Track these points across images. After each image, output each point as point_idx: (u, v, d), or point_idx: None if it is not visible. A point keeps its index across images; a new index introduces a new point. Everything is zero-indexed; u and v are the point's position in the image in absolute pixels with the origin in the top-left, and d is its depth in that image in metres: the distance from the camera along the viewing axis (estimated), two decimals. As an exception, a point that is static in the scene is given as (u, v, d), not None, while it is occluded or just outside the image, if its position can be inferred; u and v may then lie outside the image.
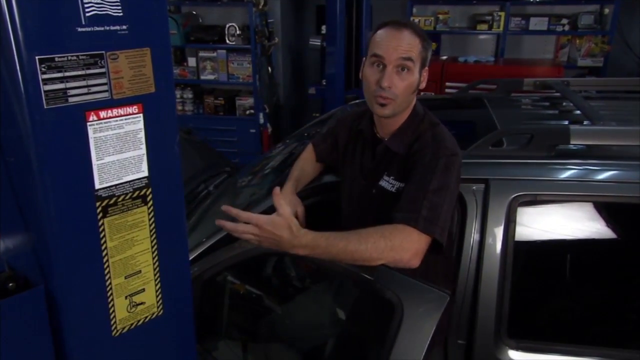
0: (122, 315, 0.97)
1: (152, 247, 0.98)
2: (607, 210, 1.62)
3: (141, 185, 0.93)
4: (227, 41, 4.95)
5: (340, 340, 1.61)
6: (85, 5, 0.79)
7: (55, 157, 0.82)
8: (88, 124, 0.84)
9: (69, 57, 0.80)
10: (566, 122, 1.99)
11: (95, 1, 0.80)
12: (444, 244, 1.31)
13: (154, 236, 0.97)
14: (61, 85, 0.80)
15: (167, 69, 0.92)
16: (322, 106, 4.72)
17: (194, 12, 5.25)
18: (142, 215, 0.95)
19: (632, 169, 1.54)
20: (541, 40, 5.18)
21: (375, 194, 1.51)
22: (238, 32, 4.91)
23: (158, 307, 1.02)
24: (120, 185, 0.90)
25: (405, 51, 1.39)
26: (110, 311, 0.95)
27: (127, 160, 0.90)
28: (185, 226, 1.06)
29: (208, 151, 3.10)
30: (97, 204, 0.88)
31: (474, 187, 1.58)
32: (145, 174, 0.93)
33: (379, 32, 1.44)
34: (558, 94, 2.30)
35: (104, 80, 0.84)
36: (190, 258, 1.54)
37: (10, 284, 0.88)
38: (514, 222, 1.55)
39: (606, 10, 4.78)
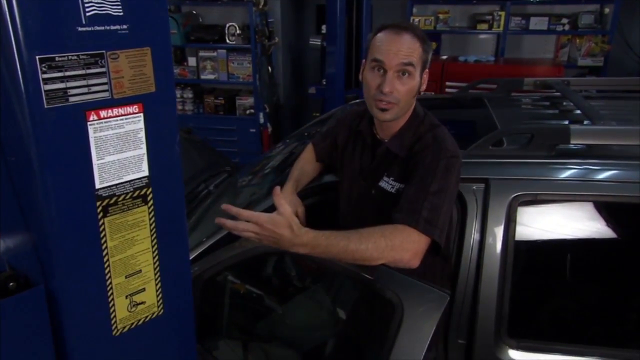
0: (123, 314, 0.97)
1: (153, 246, 0.98)
2: (607, 210, 1.62)
3: (141, 184, 0.93)
4: (227, 41, 4.95)
5: (341, 340, 1.61)
6: (86, 5, 0.79)
7: (56, 156, 0.82)
8: (88, 123, 0.84)
9: (70, 57, 0.80)
10: (566, 122, 1.99)
11: (95, 1, 0.80)
12: (442, 245, 1.31)
13: (154, 236, 0.97)
14: (61, 85, 0.80)
15: (168, 69, 0.92)
16: (322, 106, 4.72)
17: (194, 12, 5.25)
18: (143, 215, 0.95)
19: (633, 169, 1.54)
20: (541, 39, 5.17)
21: (374, 194, 1.51)
22: (238, 31, 4.91)
23: (158, 307, 1.02)
24: (121, 185, 0.90)
25: (406, 56, 1.39)
26: (111, 311, 0.95)
27: (128, 160, 0.90)
28: (186, 226, 1.06)
29: (208, 151, 3.10)
30: (98, 203, 0.88)
31: (474, 187, 1.58)
32: (146, 173, 0.93)
33: (379, 35, 1.43)
34: (558, 94, 2.30)
35: (104, 80, 0.84)
36: (191, 257, 1.55)
37: (11, 284, 0.88)
38: (514, 221, 1.55)
39: (606, 10, 4.78)
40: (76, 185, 0.85)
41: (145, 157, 0.92)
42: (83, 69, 0.81)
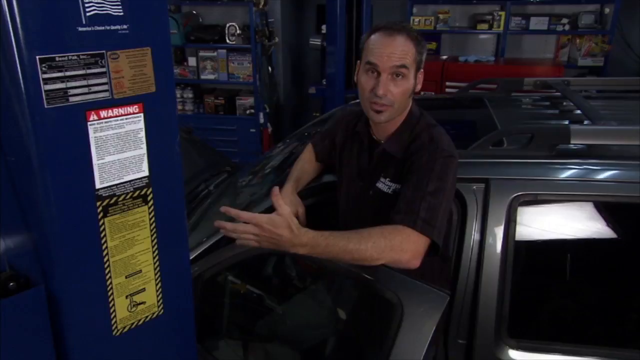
0: (123, 314, 0.97)
1: (153, 246, 0.98)
2: (607, 210, 1.62)
3: (142, 184, 0.93)
4: (228, 41, 4.95)
5: (341, 340, 1.61)
6: (86, 5, 0.79)
7: (56, 156, 0.82)
8: (89, 123, 0.84)
9: (70, 57, 0.80)
10: (567, 122, 1.99)
11: (95, 1, 0.80)
12: (440, 245, 1.31)
13: (154, 236, 0.97)
14: (62, 85, 0.80)
15: (168, 69, 0.92)
16: (322, 106, 4.72)
17: (194, 12, 5.25)
18: (143, 215, 0.95)
19: (633, 169, 1.54)
20: (541, 39, 5.17)
21: (372, 195, 1.52)
22: (238, 31, 4.91)
23: (158, 307, 1.02)
24: (121, 185, 0.90)
25: (400, 58, 1.38)
26: (111, 311, 0.95)
27: (128, 160, 0.90)
28: (186, 226, 1.06)
29: (208, 151, 3.10)
30: (98, 203, 0.88)
31: (475, 187, 1.58)
32: (146, 173, 0.93)
33: (372, 38, 1.43)
34: (558, 94, 2.30)
35: (104, 80, 0.84)
36: (191, 257, 1.54)
37: (11, 284, 0.88)
38: (515, 221, 1.55)
39: (606, 10, 4.78)
40: (76, 185, 0.85)
41: (145, 157, 0.92)
42: (83, 69, 0.81)
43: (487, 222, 1.54)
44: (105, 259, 0.91)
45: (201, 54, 5.10)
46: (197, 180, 2.42)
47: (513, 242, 1.54)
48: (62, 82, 0.80)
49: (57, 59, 0.78)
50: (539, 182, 1.56)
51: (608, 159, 1.59)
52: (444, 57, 5.17)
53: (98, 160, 0.86)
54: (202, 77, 5.17)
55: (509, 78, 2.60)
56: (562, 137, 1.59)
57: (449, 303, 1.49)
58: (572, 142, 1.58)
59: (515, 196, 1.54)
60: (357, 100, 2.56)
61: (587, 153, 1.62)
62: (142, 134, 0.91)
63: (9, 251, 0.93)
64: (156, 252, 0.98)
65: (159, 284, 1.01)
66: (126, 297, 0.96)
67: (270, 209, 1.51)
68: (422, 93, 4.54)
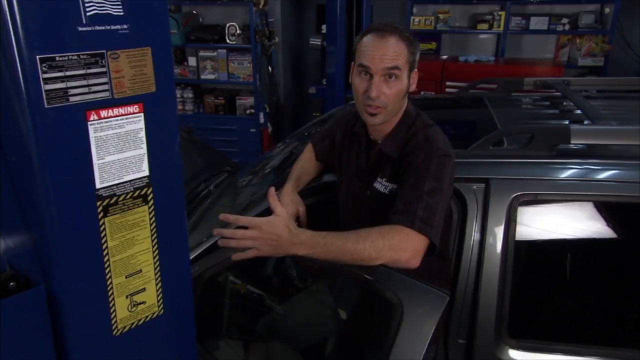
0: (123, 314, 0.97)
1: (153, 246, 0.98)
2: (607, 209, 1.62)
3: (142, 184, 0.93)
4: (228, 40, 4.95)
5: (341, 340, 1.61)
6: (86, 5, 0.79)
7: (56, 156, 0.82)
8: (89, 123, 0.84)
9: (70, 57, 0.80)
10: (567, 122, 1.99)
11: (96, 0, 0.80)
12: (437, 245, 1.31)
13: (154, 235, 0.97)
14: (62, 85, 0.80)
15: (168, 69, 0.92)
16: (322, 106, 4.73)
17: (194, 12, 5.25)
18: (143, 215, 0.95)
19: (633, 169, 1.54)
20: (542, 39, 5.17)
21: (369, 195, 1.52)
22: (238, 31, 4.91)
23: (159, 307, 1.02)
24: (121, 185, 0.90)
25: (392, 60, 1.38)
26: (111, 310, 0.95)
27: (128, 160, 0.90)
28: (186, 225, 1.06)
29: (208, 150, 3.10)
30: (98, 203, 0.88)
31: (475, 187, 1.58)
32: (146, 173, 0.93)
33: (364, 40, 1.43)
34: (558, 94, 2.30)
35: (104, 80, 0.84)
36: (191, 257, 1.54)
37: (11, 283, 0.88)
38: (515, 221, 1.55)
39: (607, 10, 4.78)
40: (76, 185, 0.85)
41: (145, 157, 0.92)
42: (83, 68, 0.81)
43: (487, 222, 1.54)
44: (105, 259, 0.91)
45: (201, 53, 5.10)
46: (197, 180, 2.42)
47: (513, 242, 1.54)
48: (63, 81, 0.80)
49: (57, 58, 0.78)
50: (539, 182, 1.56)
51: (608, 159, 1.59)
52: (444, 57, 5.16)
53: (98, 160, 0.86)
54: (202, 77, 5.17)
55: (509, 78, 2.60)
56: (562, 137, 1.59)
57: (449, 303, 1.49)
58: (572, 142, 1.58)
59: (516, 196, 1.54)
60: (357, 101, 2.54)
61: (587, 153, 1.62)
62: (142, 133, 0.91)
63: (9, 251, 0.93)
64: (156, 252, 0.98)
65: (159, 284, 1.01)
66: (126, 297, 0.96)
67: (270, 209, 1.52)
68: (422, 93, 4.56)
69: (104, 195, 0.88)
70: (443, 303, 1.20)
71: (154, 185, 0.95)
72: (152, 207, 0.95)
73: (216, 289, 1.73)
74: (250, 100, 5.11)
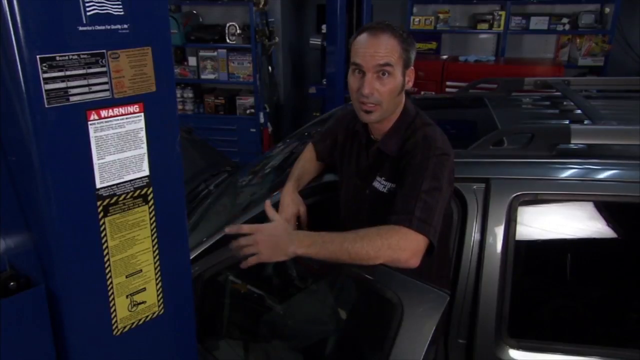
0: (123, 314, 0.97)
1: (153, 246, 0.98)
2: (607, 209, 1.62)
3: (142, 184, 0.93)
4: (228, 40, 4.95)
5: (341, 340, 1.61)
6: (87, 4, 0.79)
7: (57, 156, 0.82)
8: (89, 123, 0.84)
9: (70, 56, 0.80)
10: (567, 122, 1.99)
11: (96, 0, 0.80)
12: (435, 244, 1.31)
13: (154, 235, 0.97)
14: (62, 85, 0.80)
15: (168, 68, 0.92)
16: (322, 105, 4.73)
17: (195, 12, 5.25)
18: (143, 215, 0.95)
19: (633, 168, 1.54)
20: (542, 39, 5.18)
21: (368, 194, 1.52)
22: (238, 31, 4.91)
23: (159, 307, 1.02)
24: (121, 185, 0.90)
25: (383, 57, 1.38)
26: (111, 310, 0.95)
27: (128, 160, 0.90)
28: (186, 225, 1.06)
29: (209, 150, 3.10)
30: (98, 203, 0.88)
31: (475, 187, 1.58)
32: (146, 173, 0.93)
33: (357, 39, 1.44)
34: (559, 94, 2.30)
35: (105, 80, 0.84)
36: (191, 257, 1.54)
37: (12, 283, 0.88)
38: (515, 221, 1.55)
39: (607, 10, 4.78)
40: (77, 185, 0.85)
41: (145, 157, 0.92)
42: (84, 68, 0.81)
43: (488, 221, 1.54)
44: (105, 259, 0.91)
45: (201, 53, 5.09)
46: (197, 180, 2.42)
47: (513, 241, 1.54)
48: (63, 81, 0.80)
49: (57, 58, 0.78)
50: (540, 181, 1.56)
51: (608, 159, 1.59)
52: (444, 56, 5.17)
53: (98, 159, 0.86)
54: (202, 76, 5.17)
55: (509, 78, 2.59)
56: (562, 137, 1.59)
57: (449, 303, 1.49)
58: (572, 141, 1.58)
59: (516, 196, 1.54)
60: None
61: (587, 153, 1.62)
62: (143, 133, 0.91)
63: (10, 251, 0.93)
64: (156, 251, 0.98)
65: (160, 284, 1.01)
66: (126, 296, 0.96)
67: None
68: (422, 93, 4.56)
69: (104, 195, 0.88)
70: (443, 303, 1.20)
71: (154, 185, 0.95)
72: (152, 207, 0.95)
73: (216, 289, 1.73)
74: (250, 100, 5.11)
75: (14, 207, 0.89)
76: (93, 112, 0.84)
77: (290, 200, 1.59)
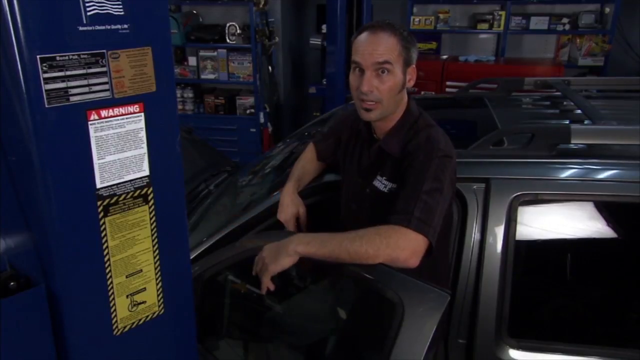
0: (123, 314, 0.97)
1: (153, 246, 0.98)
2: (607, 209, 1.62)
3: (142, 184, 0.93)
4: (228, 40, 4.95)
5: (341, 340, 1.61)
6: (87, 4, 0.79)
7: (57, 156, 0.82)
8: (89, 123, 0.84)
9: (70, 56, 0.80)
10: (567, 122, 1.99)
11: (96, 0, 0.80)
12: (434, 245, 1.31)
13: (155, 235, 0.97)
14: (62, 85, 0.80)
15: (168, 68, 0.92)
16: (322, 105, 4.73)
17: (195, 12, 5.25)
18: (143, 215, 0.95)
19: (633, 168, 1.54)
20: (542, 39, 5.18)
21: (368, 193, 1.52)
22: (238, 31, 4.91)
23: (159, 306, 1.02)
24: (122, 184, 0.90)
25: (382, 54, 1.39)
26: (112, 310, 0.95)
27: (128, 160, 0.90)
28: (186, 225, 1.06)
29: (209, 150, 3.10)
30: (98, 203, 0.88)
31: (475, 187, 1.58)
32: (146, 173, 0.93)
33: (358, 37, 1.45)
34: (559, 93, 2.30)
35: (105, 80, 0.84)
36: (191, 257, 1.55)
37: (12, 283, 0.88)
38: (515, 221, 1.55)
39: (607, 10, 4.78)
40: (77, 185, 0.85)
41: (145, 157, 0.92)
42: (84, 68, 0.81)
43: (488, 221, 1.55)
44: (105, 259, 0.91)
45: (201, 53, 5.10)
46: (197, 180, 2.42)
47: (513, 241, 1.54)
48: (63, 81, 0.80)
49: (57, 58, 0.78)
50: (540, 181, 1.56)
51: (608, 159, 1.59)
52: (444, 56, 5.17)
53: (98, 159, 0.86)
54: (202, 76, 5.17)
55: (509, 78, 2.60)
56: (562, 137, 1.59)
57: (450, 303, 1.49)
58: (572, 141, 1.58)
59: (516, 196, 1.54)
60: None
61: (587, 153, 1.62)
62: (143, 133, 0.91)
63: (10, 251, 0.93)
64: (157, 251, 0.98)
65: (160, 284, 1.01)
66: (127, 296, 0.96)
67: (270, 209, 1.53)
68: (422, 93, 4.56)
69: (104, 195, 0.88)
70: (444, 303, 1.20)
71: (155, 185, 0.95)
72: (153, 207, 0.95)
73: (216, 289, 1.73)
74: (250, 100, 5.11)
75: (14, 207, 0.89)
76: (93, 112, 0.84)
77: (290, 201, 1.59)
